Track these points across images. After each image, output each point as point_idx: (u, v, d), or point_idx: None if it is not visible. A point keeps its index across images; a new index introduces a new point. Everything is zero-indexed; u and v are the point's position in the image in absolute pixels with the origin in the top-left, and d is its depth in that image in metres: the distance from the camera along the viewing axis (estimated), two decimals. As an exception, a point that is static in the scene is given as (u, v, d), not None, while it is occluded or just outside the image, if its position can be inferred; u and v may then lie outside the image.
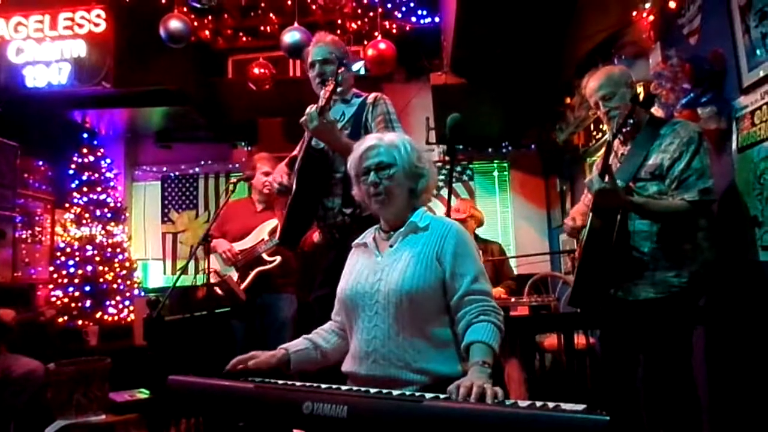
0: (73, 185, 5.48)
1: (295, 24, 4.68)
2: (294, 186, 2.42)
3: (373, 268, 1.78)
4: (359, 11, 5.33)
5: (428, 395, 1.30)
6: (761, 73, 2.21)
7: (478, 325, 1.61)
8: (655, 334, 2.23)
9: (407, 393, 1.38)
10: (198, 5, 4.26)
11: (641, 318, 2.25)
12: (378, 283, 1.72)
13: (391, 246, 1.79)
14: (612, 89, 2.37)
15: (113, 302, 5.26)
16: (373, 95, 2.52)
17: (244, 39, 5.68)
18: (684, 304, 2.22)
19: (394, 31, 5.38)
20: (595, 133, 4.53)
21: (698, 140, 2.21)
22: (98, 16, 5.02)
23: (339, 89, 2.26)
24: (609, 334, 2.48)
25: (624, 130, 2.26)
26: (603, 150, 2.29)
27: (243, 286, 3.54)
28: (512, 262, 4.87)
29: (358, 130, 2.41)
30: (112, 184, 5.72)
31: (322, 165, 2.40)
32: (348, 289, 1.80)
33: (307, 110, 2.24)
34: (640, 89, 3.01)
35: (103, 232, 5.39)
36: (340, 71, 2.28)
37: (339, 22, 5.42)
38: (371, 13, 5.28)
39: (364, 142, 1.82)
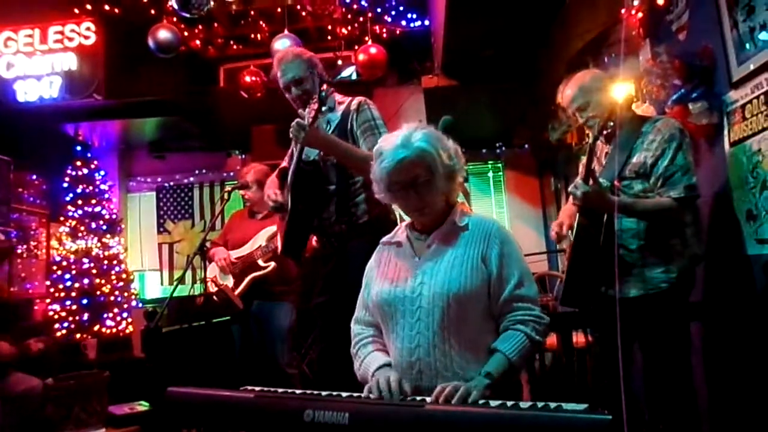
0: (68, 198, 5.44)
1: (285, 31, 4.70)
2: (289, 203, 2.36)
3: (412, 270, 1.65)
4: (349, 16, 5.33)
5: (429, 399, 1.30)
6: (751, 67, 2.22)
7: (509, 332, 1.55)
8: (647, 330, 2.23)
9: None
10: (188, 15, 4.26)
11: (632, 315, 2.24)
12: (420, 286, 1.59)
13: (428, 247, 1.66)
14: (586, 99, 2.37)
15: (111, 314, 5.23)
16: (356, 101, 2.43)
17: (235, 47, 5.67)
18: (674, 299, 2.21)
19: (385, 35, 5.39)
20: (587, 131, 4.53)
21: (680, 136, 2.20)
22: (88, 28, 5.03)
23: (324, 108, 2.21)
24: (604, 332, 2.48)
25: (605, 132, 2.26)
26: (586, 155, 2.30)
27: (237, 292, 3.52)
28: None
29: (345, 137, 2.36)
30: (106, 196, 5.69)
31: (315, 178, 2.36)
32: (385, 292, 1.66)
33: (293, 124, 2.19)
34: (622, 85, 3.01)
35: (99, 244, 5.37)
36: (323, 89, 2.22)
37: (329, 27, 5.43)
38: (361, 18, 5.28)
39: (389, 151, 1.61)
